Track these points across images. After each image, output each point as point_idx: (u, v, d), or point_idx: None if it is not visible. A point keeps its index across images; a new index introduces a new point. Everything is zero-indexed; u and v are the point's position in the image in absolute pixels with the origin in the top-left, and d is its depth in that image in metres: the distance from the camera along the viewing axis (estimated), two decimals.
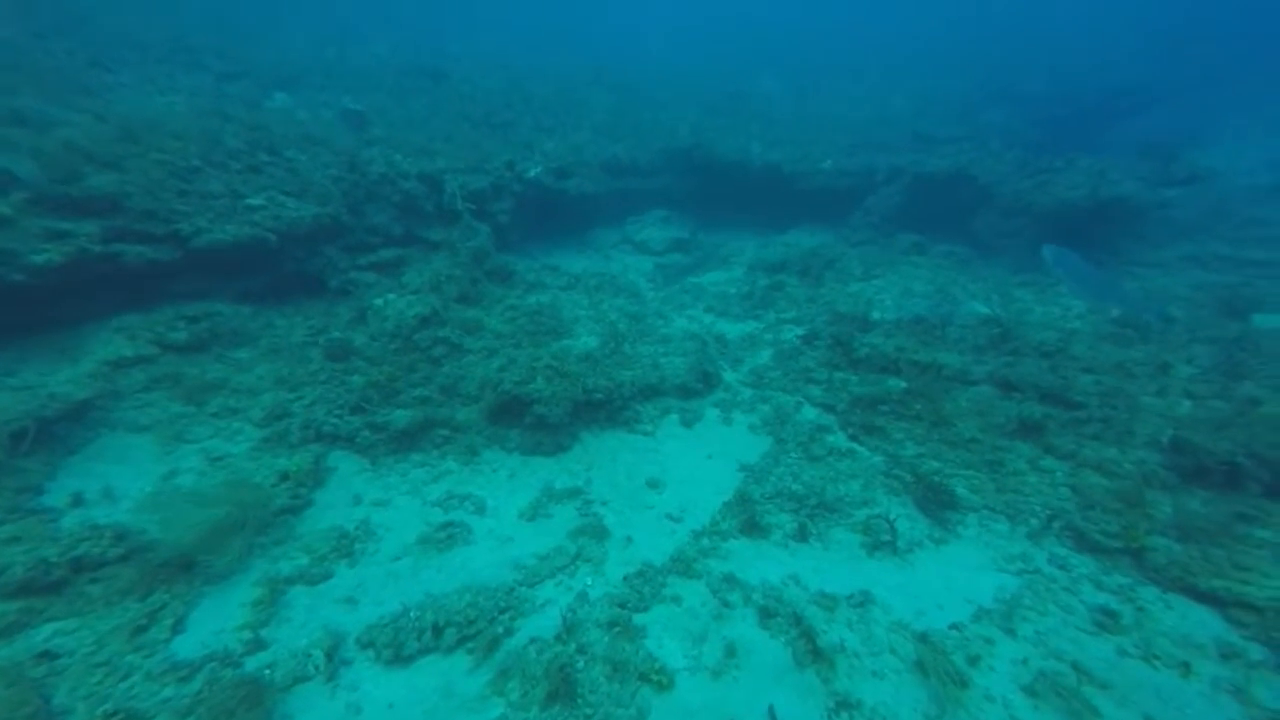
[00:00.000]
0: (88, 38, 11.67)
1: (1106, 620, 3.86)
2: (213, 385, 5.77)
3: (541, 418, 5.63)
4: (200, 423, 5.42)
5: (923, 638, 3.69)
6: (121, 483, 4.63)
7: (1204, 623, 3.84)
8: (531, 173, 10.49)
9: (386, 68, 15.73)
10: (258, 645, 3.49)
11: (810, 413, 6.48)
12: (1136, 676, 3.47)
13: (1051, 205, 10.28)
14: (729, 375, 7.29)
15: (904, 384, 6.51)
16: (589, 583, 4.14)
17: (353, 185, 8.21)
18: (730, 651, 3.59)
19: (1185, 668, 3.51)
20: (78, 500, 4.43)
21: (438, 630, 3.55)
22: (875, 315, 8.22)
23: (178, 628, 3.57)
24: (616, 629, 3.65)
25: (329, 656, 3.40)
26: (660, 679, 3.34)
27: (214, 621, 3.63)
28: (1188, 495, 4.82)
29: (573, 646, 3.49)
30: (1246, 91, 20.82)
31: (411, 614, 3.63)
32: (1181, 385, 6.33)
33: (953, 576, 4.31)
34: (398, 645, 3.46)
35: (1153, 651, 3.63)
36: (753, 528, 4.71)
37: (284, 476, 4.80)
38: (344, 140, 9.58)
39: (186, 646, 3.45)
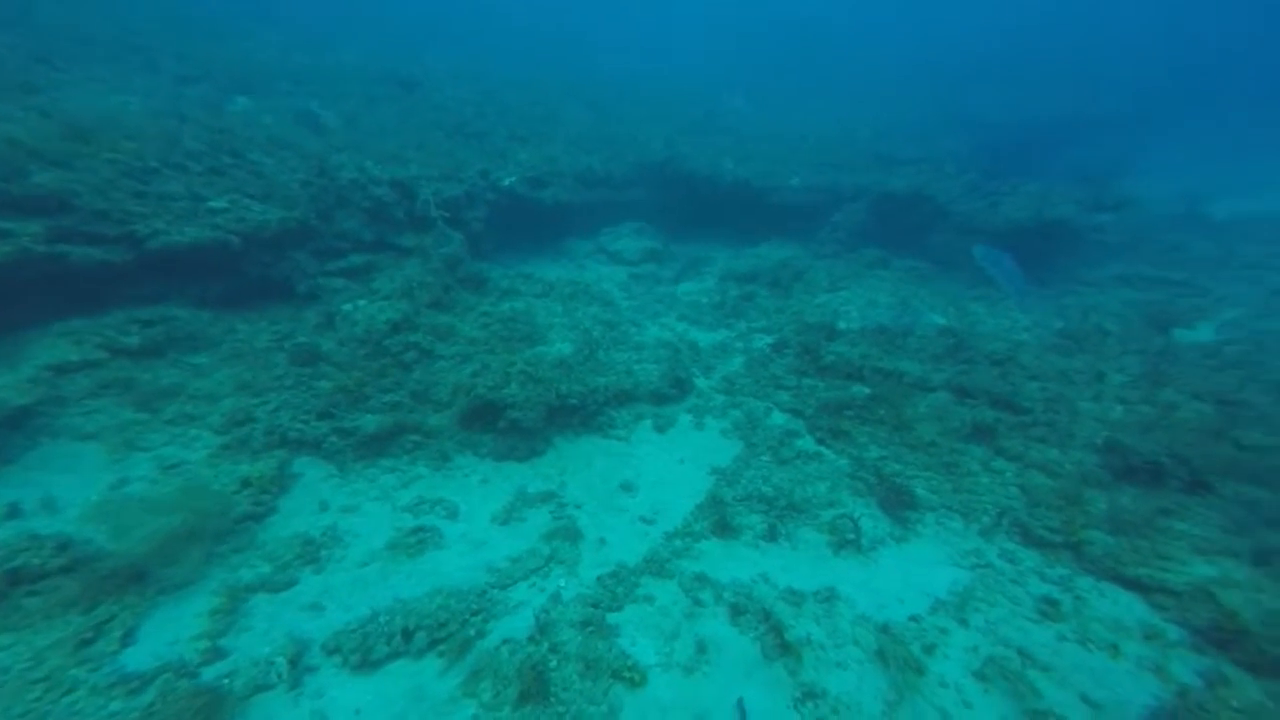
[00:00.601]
0: (28, 32, 11.11)
1: (1049, 609, 4.14)
2: (168, 391, 5.54)
3: (515, 422, 5.64)
4: (154, 429, 5.20)
5: (884, 629, 3.87)
6: (65, 492, 4.39)
7: (1130, 607, 4.18)
8: (506, 181, 10.53)
9: (358, 75, 15.52)
10: (216, 655, 3.36)
11: (779, 418, 6.69)
12: (1074, 659, 3.74)
13: (1002, 225, 11.02)
14: (701, 382, 7.46)
15: (868, 390, 6.83)
16: (562, 584, 4.16)
17: (322, 190, 8.07)
18: (701, 648, 3.67)
19: (1114, 649, 3.81)
20: (14, 511, 4.19)
21: (408, 634, 3.50)
22: (841, 325, 8.59)
23: (127, 640, 3.40)
24: (590, 628, 3.68)
25: (293, 664, 3.30)
26: (633, 676, 3.39)
27: (168, 632, 3.48)
28: (1119, 492, 5.22)
29: (545, 646, 3.50)
30: (1164, 126, 22.92)
31: (380, 618, 3.57)
32: (1115, 392, 6.88)
33: (912, 572, 4.53)
34: (366, 650, 3.39)
35: (1088, 636, 3.92)
36: (724, 529, 4.83)
37: (245, 483, 4.65)
38: (313, 145, 9.42)
39: (138, 658, 3.29)
